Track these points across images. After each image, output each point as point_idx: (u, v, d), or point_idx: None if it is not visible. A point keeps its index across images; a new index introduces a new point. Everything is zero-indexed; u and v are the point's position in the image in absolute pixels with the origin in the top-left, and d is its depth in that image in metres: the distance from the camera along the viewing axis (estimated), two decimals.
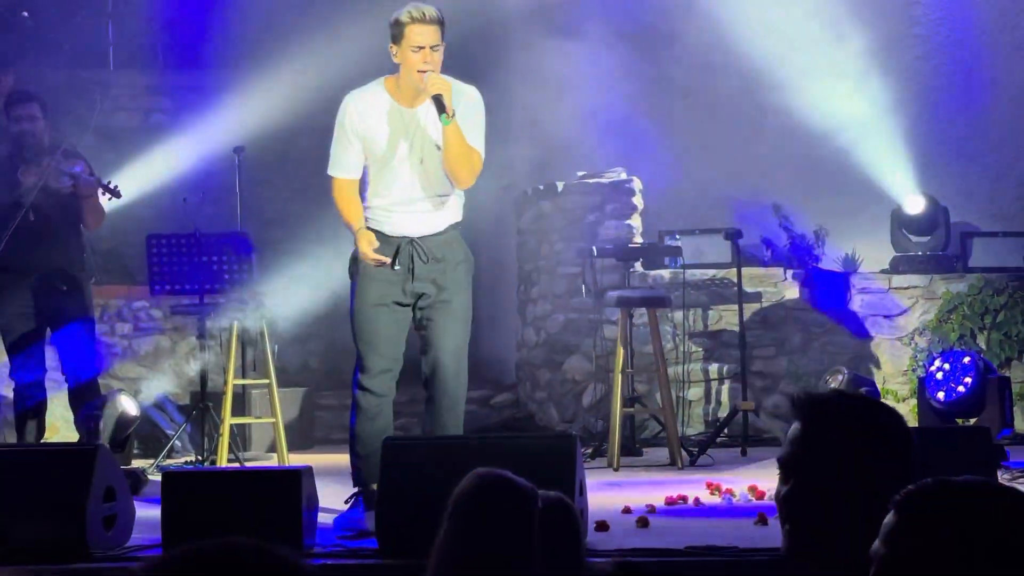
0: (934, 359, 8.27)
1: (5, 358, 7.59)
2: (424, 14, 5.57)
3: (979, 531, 1.95)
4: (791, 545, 2.51)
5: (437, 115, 5.56)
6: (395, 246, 5.72)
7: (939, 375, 8.02)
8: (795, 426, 2.53)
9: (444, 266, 5.74)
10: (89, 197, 7.26)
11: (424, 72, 5.55)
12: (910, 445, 2.53)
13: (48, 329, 7.40)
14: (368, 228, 5.74)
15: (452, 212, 5.82)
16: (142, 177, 8.99)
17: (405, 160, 5.69)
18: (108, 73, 10.03)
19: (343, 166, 5.79)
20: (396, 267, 5.69)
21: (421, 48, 5.57)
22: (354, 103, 5.74)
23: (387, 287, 5.72)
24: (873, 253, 9.24)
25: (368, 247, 5.65)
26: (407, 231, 5.74)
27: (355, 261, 5.83)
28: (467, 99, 5.70)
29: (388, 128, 5.68)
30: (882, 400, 2.71)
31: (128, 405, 7.30)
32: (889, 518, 2.03)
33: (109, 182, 7.32)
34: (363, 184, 5.83)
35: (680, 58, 9.49)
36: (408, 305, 5.75)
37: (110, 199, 7.34)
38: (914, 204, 9.12)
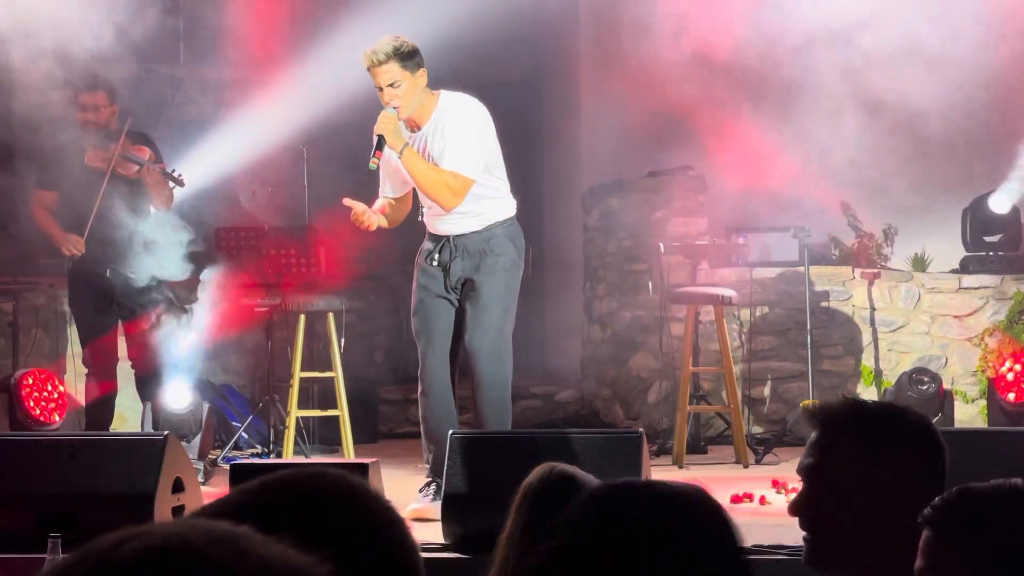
0: (1005, 360, 8.18)
1: (78, 348, 7.65)
2: (373, 59, 5.83)
3: (1009, 537, 1.94)
4: (809, 553, 2.50)
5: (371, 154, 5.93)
6: (439, 243, 6.07)
7: (1010, 376, 7.93)
8: (812, 435, 2.53)
9: (480, 260, 6.04)
10: (154, 185, 7.31)
11: (396, 108, 5.85)
12: (940, 456, 2.47)
13: (119, 318, 7.44)
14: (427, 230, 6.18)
15: (492, 212, 6.10)
16: (210, 170, 9.06)
17: None
18: (179, 67, 10.12)
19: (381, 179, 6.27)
20: (434, 263, 6.04)
21: (381, 89, 5.86)
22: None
23: (432, 281, 6.07)
24: (943, 252, 9.14)
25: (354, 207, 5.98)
26: (447, 231, 6.08)
27: (415, 261, 6.22)
28: (447, 117, 5.98)
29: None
30: (908, 407, 2.65)
31: (173, 400, 7.15)
32: (924, 534, 2.02)
33: (174, 170, 7.35)
34: None
35: (749, 53, 9.43)
36: (453, 299, 6.07)
37: (174, 187, 7.37)
38: (999, 203, 8.98)
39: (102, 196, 7.23)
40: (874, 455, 2.43)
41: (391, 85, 5.80)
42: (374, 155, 5.85)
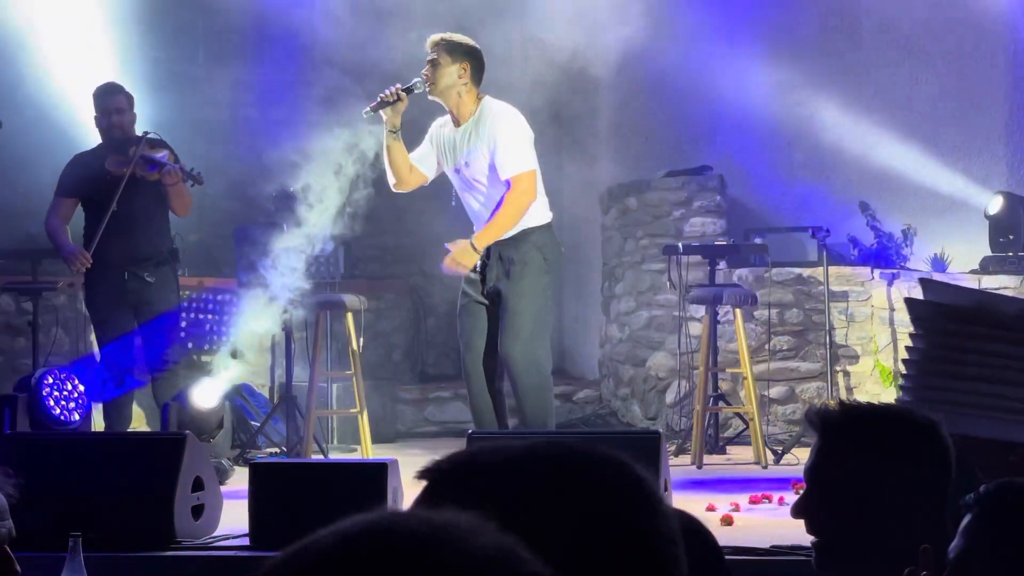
0: None
1: (95, 350, 7.66)
2: (429, 41, 6.47)
3: None
4: (818, 558, 2.49)
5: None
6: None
7: None
8: (815, 439, 2.53)
9: (510, 267, 6.36)
10: (174, 185, 7.28)
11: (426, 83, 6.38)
12: (945, 456, 2.45)
13: (135, 320, 7.45)
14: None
15: (525, 219, 6.40)
16: (229, 170, 9.08)
17: (459, 175, 6.45)
18: (198, 67, 10.14)
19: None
20: (476, 269, 6.42)
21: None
22: (433, 125, 6.58)
23: (472, 286, 6.48)
24: (964, 253, 9.10)
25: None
26: None
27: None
28: (491, 122, 6.35)
29: (447, 146, 6.45)
30: (911, 408, 2.64)
31: (201, 398, 7.16)
32: (966, 519, 2.03)
33: (192, 169, 7.35)
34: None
35: (765, 53, 9.41)
36: (488, 304, 6.44)
37: (192, 185, 7.36)
38: (993, 203, 8.95)
39: (119, 199, 7.23)
40: (873, 460, 2.42)
41: (430, 60, 6.34)
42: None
